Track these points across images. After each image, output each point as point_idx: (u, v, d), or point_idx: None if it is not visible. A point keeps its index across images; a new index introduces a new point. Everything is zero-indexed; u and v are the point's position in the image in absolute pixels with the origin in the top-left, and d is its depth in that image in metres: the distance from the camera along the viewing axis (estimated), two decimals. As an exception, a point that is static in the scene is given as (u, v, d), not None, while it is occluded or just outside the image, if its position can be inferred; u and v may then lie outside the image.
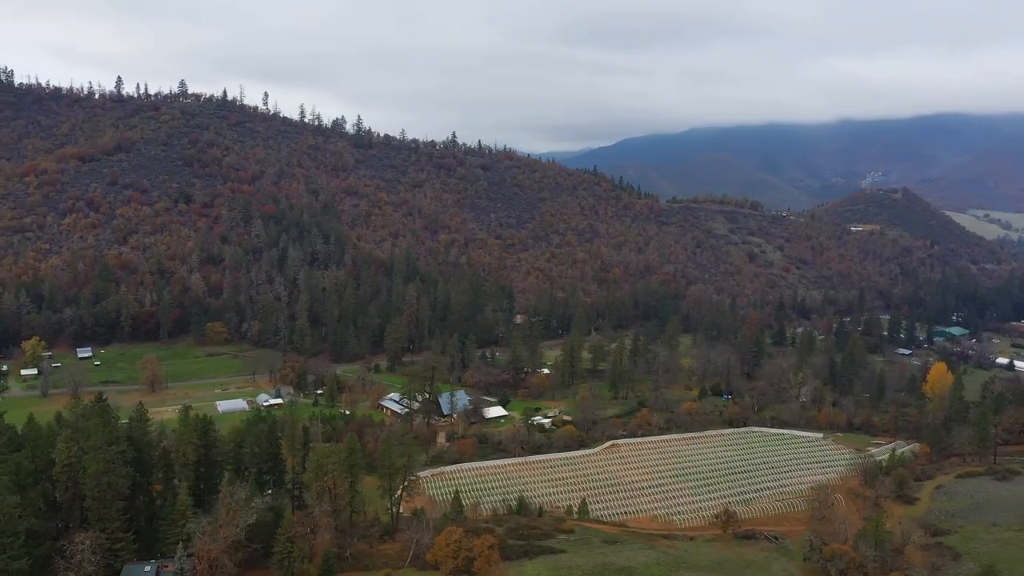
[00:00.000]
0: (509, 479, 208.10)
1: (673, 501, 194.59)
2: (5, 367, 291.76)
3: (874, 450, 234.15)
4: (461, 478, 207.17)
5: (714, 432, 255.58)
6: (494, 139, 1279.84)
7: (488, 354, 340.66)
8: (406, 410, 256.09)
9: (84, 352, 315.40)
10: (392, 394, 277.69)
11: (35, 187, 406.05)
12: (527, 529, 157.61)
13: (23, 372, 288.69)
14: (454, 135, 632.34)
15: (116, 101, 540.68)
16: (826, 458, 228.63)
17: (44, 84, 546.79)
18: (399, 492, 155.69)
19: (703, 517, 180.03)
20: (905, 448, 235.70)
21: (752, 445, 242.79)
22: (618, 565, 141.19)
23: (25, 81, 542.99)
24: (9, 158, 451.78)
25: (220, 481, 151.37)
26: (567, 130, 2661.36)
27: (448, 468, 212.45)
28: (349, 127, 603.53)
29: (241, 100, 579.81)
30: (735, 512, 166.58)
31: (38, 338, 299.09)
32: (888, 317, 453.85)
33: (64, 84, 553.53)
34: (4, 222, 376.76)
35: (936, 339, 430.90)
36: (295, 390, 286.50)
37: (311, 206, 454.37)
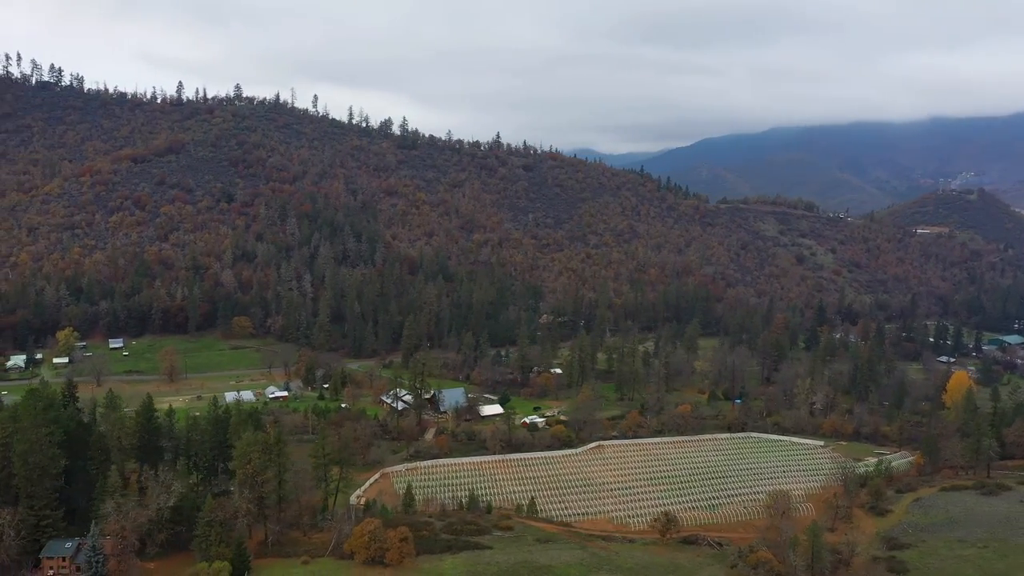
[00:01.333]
0: (482, 476, 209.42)
1: (637, 504, 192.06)
2: (40, 355, 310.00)
3: (872, 460, 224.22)
4: (435, 473, 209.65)
5: (708, 436, 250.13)
6: (570, 141, 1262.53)
7: (504, 353, 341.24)
8: (405, 406, 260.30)
9: (116, 343, 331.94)
10: (393, 390, 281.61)
11: (88, 187, 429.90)
12: (465, 525, 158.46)
13: (55, 360, 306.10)
14: (498, 135, 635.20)
15: (175, 105, 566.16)
16: (815, 466, 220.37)
17: (111, 89, 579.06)
18: (336, 483, 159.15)
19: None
20: (903, 459, 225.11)
21: (743, 451, 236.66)
22: (538, 564, 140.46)
23: (93, 87, 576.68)
24: (71, 159, 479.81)
25: (172, 467, 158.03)
26: (646, 130, 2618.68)
27: (424, 463, 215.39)
28: (396, 128, 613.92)
29: (292, 103, 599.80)
30: (676, 517, 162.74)
31: (71, 328, 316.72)
32: (935, 323, 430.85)
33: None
34: (56, 219, 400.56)
35: (987, 347, 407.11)
36: (303, 384, 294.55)
37: (349, 205, 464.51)
